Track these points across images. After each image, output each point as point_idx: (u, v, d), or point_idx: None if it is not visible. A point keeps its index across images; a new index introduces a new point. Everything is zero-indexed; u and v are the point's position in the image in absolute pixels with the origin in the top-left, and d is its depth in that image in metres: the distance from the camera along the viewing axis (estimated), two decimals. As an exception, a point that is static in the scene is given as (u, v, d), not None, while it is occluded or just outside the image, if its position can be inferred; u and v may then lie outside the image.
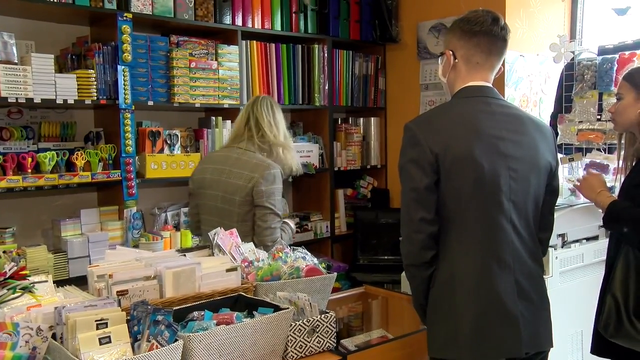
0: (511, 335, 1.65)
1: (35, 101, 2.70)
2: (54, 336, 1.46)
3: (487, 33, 1.74)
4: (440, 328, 1.68)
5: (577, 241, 2.74)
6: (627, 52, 3.08)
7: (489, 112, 1.71)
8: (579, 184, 2.22)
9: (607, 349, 1.93)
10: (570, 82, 3.29)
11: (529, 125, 1.76)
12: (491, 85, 1.79)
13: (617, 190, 2.14)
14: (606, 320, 1.85)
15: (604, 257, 2.09)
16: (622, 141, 2.10)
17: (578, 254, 2.74)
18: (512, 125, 1.72)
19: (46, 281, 1.76)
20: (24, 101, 2.67)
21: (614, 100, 3.08)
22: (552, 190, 1.82)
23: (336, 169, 3.97)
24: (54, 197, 3.13)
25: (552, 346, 1.77)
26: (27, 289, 1.68)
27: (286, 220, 2.50)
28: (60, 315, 1.45)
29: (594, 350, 1.99)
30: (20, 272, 1.75)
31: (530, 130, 1.75)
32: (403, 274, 2.60)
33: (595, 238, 2.82)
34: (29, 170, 2.73)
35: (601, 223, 2.79)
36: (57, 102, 2.77)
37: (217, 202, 2.43)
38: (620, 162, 2.10)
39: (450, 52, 1.78)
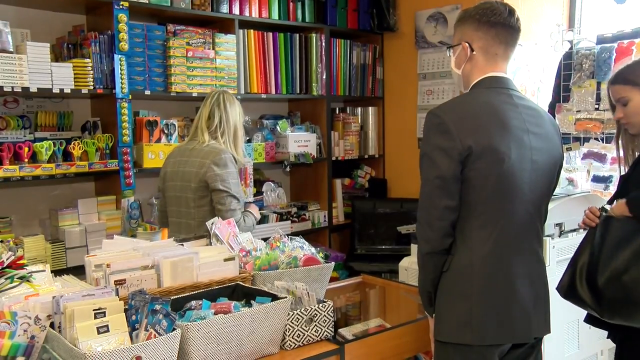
0: (523, 321, 1.69)
1: (31, 90, 2.68)
2: (52, 325, 1.46)
3: (505, 24, 1.73)
4: (453, 312, 1.69)
5: (573, 230, 2.74)
6: (625, 41, 3.07)
7: (512, 104, 1.72)
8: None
9: (599, 319, 1.95)
10: (569, 72, 3.28)
11: (545, 119, 1.80)
12: (509, 77, 1.79)
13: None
14: (563, 282, 1.93)
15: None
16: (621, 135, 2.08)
17: (574, 243, 2.72)
18: (534, 119, 1.74)
19: (44, 271, 1.76)
20: (20, 90, 2.66)
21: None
22: (555, 183, 1.86)
23: (334, 158, 3.96)
24: (51, 186, 3.13)
25: (549, 332, 1.80)
26: (24, 279, 1.68)
27: (249, 209, 2.64)
28: (58, 304, 1.45)
29: (587, 319, 2.02)
30: (18, 262, 1.75)
31: (547, 124, 1.79)
32: (400, 263, 2.60)
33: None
34: (26, 160, 2.72)
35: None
36: (54, 91, 2.76)
37: (176, 192, 2.60)
38: (621, 151, 2.08)
39: (467, 44, 1.75)
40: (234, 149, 2.60)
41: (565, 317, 2.58)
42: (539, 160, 1.72)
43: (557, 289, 1.96)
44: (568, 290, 1.92)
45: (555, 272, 2.60)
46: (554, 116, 3.32)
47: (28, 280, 1.68)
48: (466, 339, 1.66)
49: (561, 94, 3.32)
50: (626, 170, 2.06)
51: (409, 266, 2.50)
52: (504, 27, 1.73)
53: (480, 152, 1.63)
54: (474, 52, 1.75)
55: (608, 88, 2.03)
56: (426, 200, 1.68)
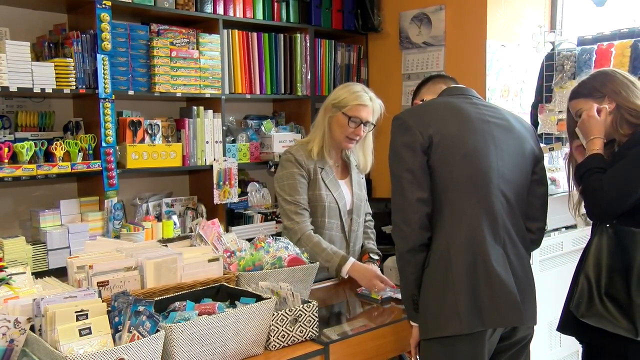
0: (510, 305, 1.69)
1: (10, 90, 2.65)
2: (32, 328, 1.44)
3: (435, 76, 2.15)
4: (439, 306, 1.70)
5: (556, 230, 2.78)
6: (605, 43, 3.11)
7: (472, 103, 1.85)
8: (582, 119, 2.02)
9: (572, 327, 1.96)
10: (551, 72, 3.32)
11: (508, 114, 1.89)
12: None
13: None
14: (578, 300, 1.87)
15: (583, 245, 2.11)
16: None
17: (557, 242, 2.77)
18: (493, 112, 1.85)
19: (24, 273, 1.74)
20: None
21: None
22: (539, 179, 1.88)
23: (319, 159, 3.96)
24: (33, 187, 3.09)
25: (536, 323, 1.81)
26: (4, 281, 1.66)
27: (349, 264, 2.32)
28: (39, 307, 1.43)
29: (560, 328, 2.02)
30: (-2, 264, 1.73)
31: (510, 118, 1.87)
32: (385, 262, 2.61)
33: (574, 227, 2.86)
34: (6, 161, 2.68)
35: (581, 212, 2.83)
36: (34, 90, 2.72)
37: None
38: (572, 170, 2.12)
39: (418, 101, 2.09)
40: (312, 143, 2.46)
41: (547, 315, 2.61)
42: (504, 149, 1.77)
43: (571, 308, 1.90)
44: (586, 309, 1.83)
45: (538, 271, 2.63)
46: (537, 117, 3.36)
47: (7, 283, 1.66)
48: (458, 330, 1.67)
49: (543, 94, 3.36)
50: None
51: (394, 265, 2.50)
52: (436, 77, 2.12)
53: (440, 140, 1.71)
54: (425, 99, 2.04)
55: (568, 107, 2.06)
56: (399, 199, 1.73)
